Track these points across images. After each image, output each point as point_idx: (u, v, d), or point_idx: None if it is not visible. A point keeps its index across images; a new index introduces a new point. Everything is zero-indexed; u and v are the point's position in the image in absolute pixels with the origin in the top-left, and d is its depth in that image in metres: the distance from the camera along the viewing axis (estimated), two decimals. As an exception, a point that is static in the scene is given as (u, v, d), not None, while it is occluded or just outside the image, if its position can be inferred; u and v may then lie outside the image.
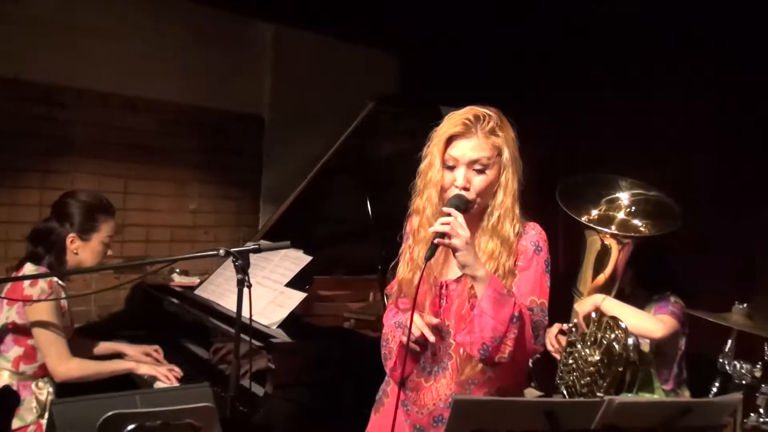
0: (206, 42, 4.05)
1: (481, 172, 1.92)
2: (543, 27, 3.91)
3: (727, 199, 3.47)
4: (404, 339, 1.97)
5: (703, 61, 3.51)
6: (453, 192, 1.92)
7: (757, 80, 3.37)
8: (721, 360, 2.44)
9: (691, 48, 3.52)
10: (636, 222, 3.13)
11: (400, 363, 2.05)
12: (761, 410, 2.37)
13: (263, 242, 2.62)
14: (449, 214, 1.82)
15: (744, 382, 2.32)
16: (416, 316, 1.97)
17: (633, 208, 3.15)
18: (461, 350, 1.95)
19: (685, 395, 3.06)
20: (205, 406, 2.07)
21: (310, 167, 3.24)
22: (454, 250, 1.82)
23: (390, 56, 4.42)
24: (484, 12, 3.81)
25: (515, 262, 1.96)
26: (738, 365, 2.35)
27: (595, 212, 3.16)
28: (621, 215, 3.15)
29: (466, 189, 1.92)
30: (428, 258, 1.84)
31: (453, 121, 1.95)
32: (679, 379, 3.12)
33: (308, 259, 3.01)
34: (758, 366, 2.35)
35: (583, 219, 3.10)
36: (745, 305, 2.51)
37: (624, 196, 3.17)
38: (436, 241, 1.81)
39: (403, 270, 2.07)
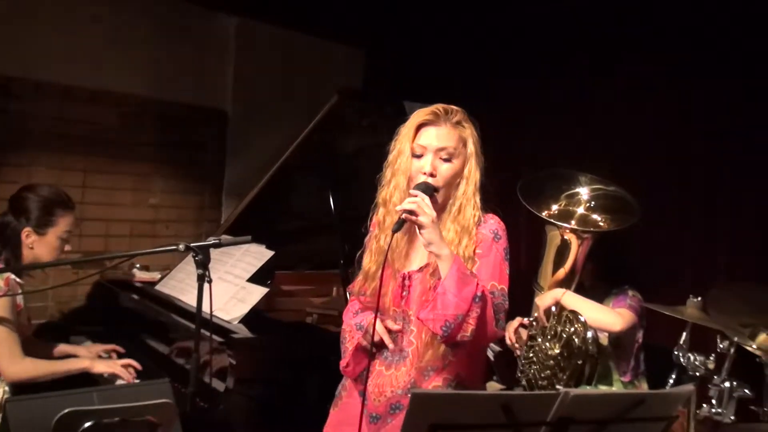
0: (168, 34, 3.99)
1: (447, 160, 2.00)
2: (504, 24, 3.94)
3: (683, 194, 3.54)
4: (363, 342, 2.02)
5: (659, 61, 3.57)
6: (420, 179, 1.98)
7: (711, 79, 3.45)
8: (676, 352, 2.50)
9: (647, 48, 3.58)
10: (595, 217, 3.16)
11: (353, 362, 2.08)
12: (713, 401, 2.43)
13: (224, 237, 2.60)
14: (416, 196, 1.88)
15: (698, 373, 2.37)
16: (378, 323, 2.00)
17: (592, 203, 3.18)
18: (422, 335, 1.98)
19: (643, 387, 3.11)
20: (163, 402, 2.06)
21: (273, 161, 3.22)
22: (420, 227, 1.87)
23: (355, 51, 4.40)
24: (445, 8, 3.82)
25: (474, 249, 2.01)
26: (692, 357, 2.40)
27: (555, 207, 3.19)
28: (581, 210, 3.19)
29: (432, 176, 1.98)
30: (395, 230, 1.89)
31: (423, 111, 2.04)
32: (637, 371, 3.17)
33: (270, 254, 3.00)
34: (711, 358, 2.40)
35: (544, 214, 3.12)
36: (699, 299, 2.57)
37: (584, 192, 3.20)
38: (403, 216, 1.87)
39: (367, 261, 2.11)
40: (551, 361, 2.99)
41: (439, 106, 2.04)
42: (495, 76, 4.02)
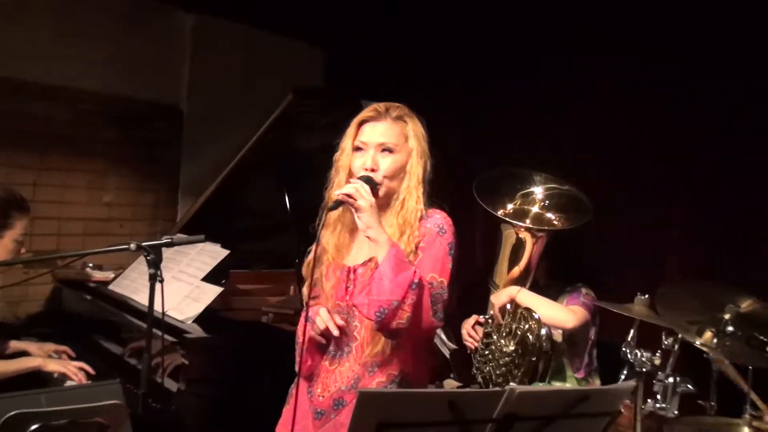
0: (124, 30, 3.92)
1: (388, 154, 2.02)
2: (463, 23, 3.97)
3: (634, 194, 3.60)
4: (313, 334, 2.02)
5: (613, 61, 3.62)
6: (362, 174, 2.00)
7: (665, 80, 3.51)
8: (624, 349, 2.54)
9: (604, 48, 3.63)
10: (550, 215, 3.21)
11: (308, 356, 2.08)
12: (658, 396, 2.49)
13: (177, 236, 2.58)
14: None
15: (644, 369, 2.42)
16: (323, 310, 2.00)
17: (547, 202, 3.23)
18: (363, 331, 1.99)
19: (596, 383, 3.17)
20: (113, 403, 2.03)
21: (229, 160, 3.21)
22: (358, 210, 1.88)
23: (315, 49, 4.39)
24: (405, 8, 3.83)
25: (418, 243, 2.01)
26: (639, 354, 2.44)
27: (510, 206, 3.23)
28: (535, 209, 3.23)
29: (373, 170, 1.99)
30: (331, 209, 1.92)
31: (366, 109, 2.07)
32: (590, 367, 3.23)
33: (225, 253, 2.98)
34: (657, 354, 2.46)
35: (499, 213, 3.16)
36: (646, 296, 2.62)
37: (538, 191, 3.24)
38: (340, 197, 1.89)
39: (327, 208, 2.08)
40: (506, 358, 3.03)
41: (380, 104, 2.07)
42: (453, 76, 4.05)
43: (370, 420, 1.43)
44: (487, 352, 3.13)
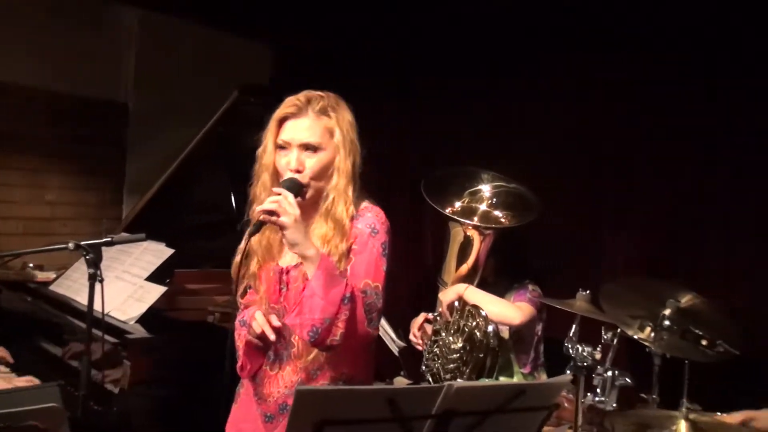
0: (67, 24, 3.83)
1: (313, 154, 1.91)
2: (412, 22, 3.99)
3: (580, 192, 3.67)
4: (250, 338, 1.98)
5: (565, 61, 3.68)
6: (287, 175, 1.91)
7: (613, 81, 3.58)
8: (566, 344, 2.59)
9: (553, 49, 3.69)
10: (497, 213, 3.24)
11: (247, 360, 2.04)
12: (598, 390, 2.54)
13: (120, 235, 2.54)
14: (279, 194, 1.81)
15: (585, 364, 2.47)
16: (258, 313, 1.95)
17: (494, 200, 3.26)
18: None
19: (542, 378, 3.22)
20: (51, 406, 1.99)
21: (175, 157, 3.17)
22: (282, 227, 1.80)
23: (262, 46, 4.35)
24: (351, 6, 3.83)
25: (350, 245, 1.94)
26: (580, 348, 2.49)
27: (458, 204, 3.25)
28: (483, 207, 3.26)
29: (299, 171, 1.90)
30: (252, 233, 1.83)
31: (286, 103, 1.95)
32: (537, 363, 3.28)
33: (170, 251, 2.94)
34: (598, 349, 2.51)
35: (447, 211, 3.18)
36: (587, 292, 2.67)
37: (486, 189, 3.27)
38: (262, 217, 1.80)
39: (248, 231, 1.98)
40: (455, 355, 3.06)
41: (301, 96, 1.96)
42: (403, 74, 4.06)
43: (308, 418, 1.42)
44: (435, 349, 3.15)
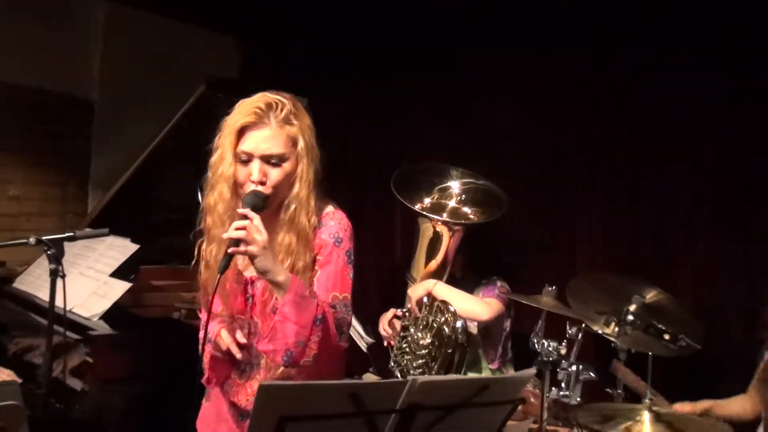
0: (33, 18, 3.73)
1: (277, 165, 1.83)
2: (379, 21, 3.98)
3: (546, 189, 3.69)
4: (215, 353, 1.94)
5: (523, 61, 3.69)
6: (249, 187, 1.83)
7: (577, 78, 3.61)
8: (532, 339, 2.61)
9: (512, 49, 3.70)
10: (466, 210, 3.26)
11: (213, 374, 2.00)
12: (563, 384, 2.57)
13: (85, 230, 2.50)
14: (244, 216, 1.73)
15: (551, 359, 2.49)
16: (224, 332, 1.92)
17: (463, 196, 3.28)
18: None
19: (510, 373, 3.25)
20: (9, 404, 1.97)
21: (141, 151, 3.12)
22: (252, 257, 1.74)
23: (231, 40, 4.30)
24: (320, 2, 3.82)
25: (315, 256, 1.91)
26: (546, 343, 2.51)
27: (428, 200, 3.26)
28: (452, 203, 3.28)
29: (262, 183, 1.82)
30: (222, 270, 1.73)
31: (244, 109, 1.85)
32: (505, 358, 3.31)
33: (135, 247, 2.90)
34: (563, 344, 2.54)
35: (417, 207, 3.18)
36: (554, 288, 2.70)
37: (455, 185, 3.29)
38: (230, 250, 1.72)
39: (202, 272, 1.96)
40: (423, 351, 3.07)
41: (261, 102, 1.85)
42: (369, 71, 4.05)
43: (271, 413, 1.41)
44: (404, 345, 3.16)
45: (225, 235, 1.76)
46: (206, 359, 2.00)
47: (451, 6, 3.73)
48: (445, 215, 3.20)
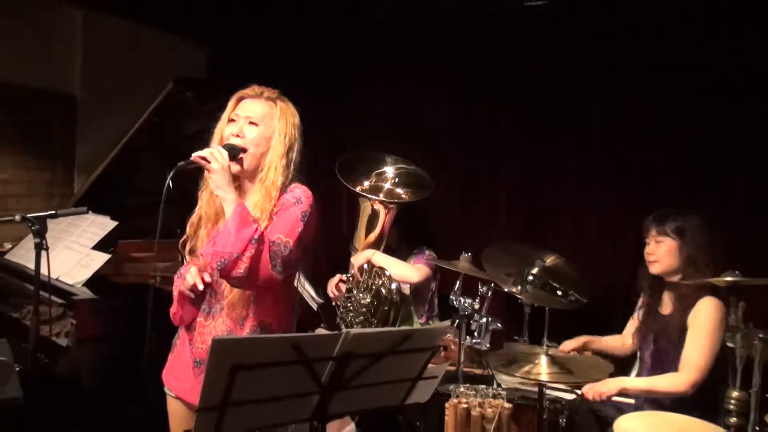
0: (16, 22, 3.52)
1: (253, 125, 1.94)
2: (327, 23, 3.92)
3: (466, 172, 3.72)
4: (183, 288, 1.94)
5: (450, 61, 3.69)
6: (231, 141, 1.94)
7: (482, 73, 3.62)
8: (451, 297, 2.65)
9: (440, 49, 3.70)
10: (399, 191, 3.28)
11: (179, 308, 2.00)
12: (475, 333, 2.62)
13: (65, 209, 2.41)
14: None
15: (466, 313, 2.54)
16: (193, 268, 1.92)
17: (397, 179, 3.29)
18: (231, 290, 1.92)
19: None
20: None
21: (117, 143, 3.02)
22: (210, 171, 1.84)
23: (197, 44, 4.18)
24: (281, 6, 3.72)
25: (276, 211, 1.94)
26: (462, 300, 2.56)
27: (367, 183, 3.26)
28: (387, 185, 3.29)
29: (239, 136, 1.93)
30: (180, 167, 1.85)
31: (248, 88, 2.01)
32: (432, 314, 3.35)
33: (114, 224, 2.82)
34: (476, 300, 2.58)
35: (358, 189, 3.19)
36: (469, 254, 2.73)
37: (390, 170, 3.30)
38: (193, 157, 1.84)
39: (193, 217, 2.04)
40: (364, 309, 3.09)
41: (260, 86, 2.02)
42: (322, 72, 4.00)
43: (224, 363, 1.40)
44: (349, 304, 3.17)
45: (194, 154, 1.85)
46: (175, 293, 2.01)
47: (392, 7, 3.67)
48: (381, 195, 3.21)
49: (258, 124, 1.95)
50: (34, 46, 3.54)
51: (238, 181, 1.97)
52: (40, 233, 2.07)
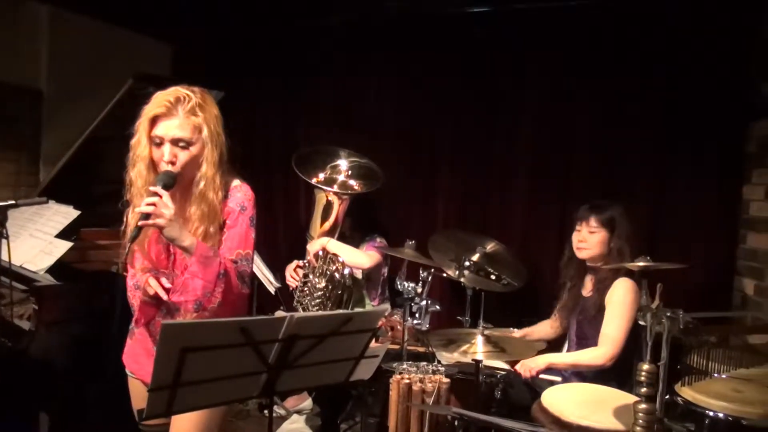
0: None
1: (185, 148, 1.78)
2: (287, 28, 3.87)
3: (412, 165, 3.72)
4: (144, 298, 1.85)
5: (394, 61, 3.66)
6: (162, 167, 1.78)
7: (422, 74, 3.60)
8: (397, 281, 2.66)
9: (385, 49, 3.66)
10: (352, 182, 3.28)
11: (142, 315, 1.91)
12: (416, 315, 2.65)
13: (26, 199, 2.33)
14: (155, 194, 1.68)
15: (410, 296, 2.56)
16: (152, 279, 1.82)
17: (350, 171, 3.29)
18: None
19: (387, 308, 3.31)
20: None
21: (81, 135, 2.92)
22: (161, 229, 1.70)
23: (163, 43, 4.07)
24: (244, 9, 3.65)
25: (225, 221, 1.86)
26: (406, 285, 2.58)
27: (322, 175, 3.25)
28: (341, 177, 3.28)
29: (172, 163, 1.77)
30: (132, 239, 1.69)
31: (157, 101, 1.79)
32: (383, 297, 3.37)
33: (77, 213, 2.73)
34: (419, 284, 2.61)
35: (313, 181, 3.18)
36: (413, 242, 2.75)
37: (343, 163, 3.30)
38: (140, 223, 1.67)
39: (129, 236, 1.83)
40: (320, 293, 3.09)
41: (170, 96, 1.78)
42: (280, 72, 3.95)
43: (174, 347, 1.38)
44: (305, 289, 3.16)
45: (137, 210, 1.70)
46: (136, 303, 1.91)
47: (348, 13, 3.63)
48: (335, 187, 3.20)
49: (188, 145, 1.77)
50: (0, 42, 3.39)
51: (176, 196, 1.80)
52: (1, 222, 2.00)
